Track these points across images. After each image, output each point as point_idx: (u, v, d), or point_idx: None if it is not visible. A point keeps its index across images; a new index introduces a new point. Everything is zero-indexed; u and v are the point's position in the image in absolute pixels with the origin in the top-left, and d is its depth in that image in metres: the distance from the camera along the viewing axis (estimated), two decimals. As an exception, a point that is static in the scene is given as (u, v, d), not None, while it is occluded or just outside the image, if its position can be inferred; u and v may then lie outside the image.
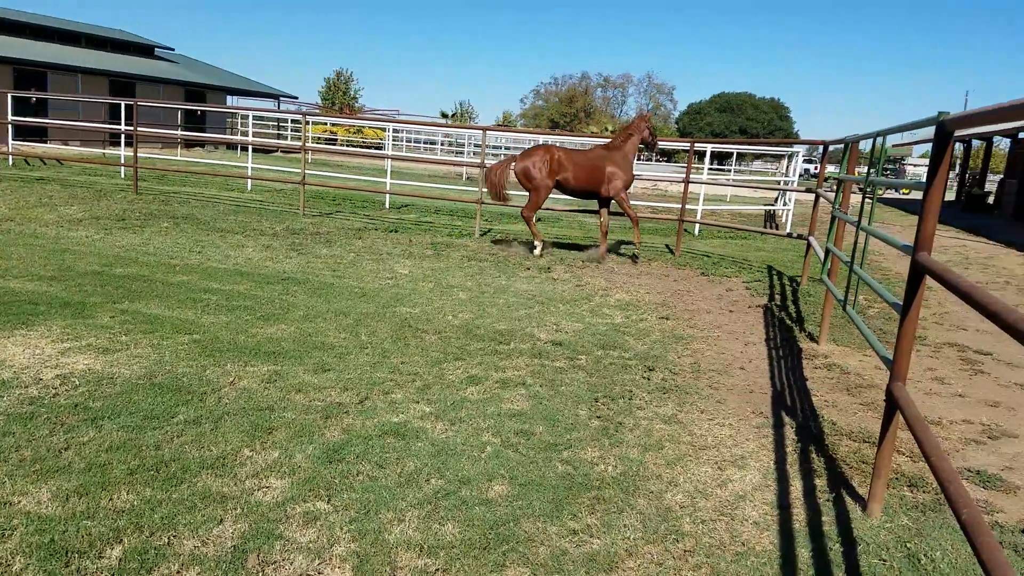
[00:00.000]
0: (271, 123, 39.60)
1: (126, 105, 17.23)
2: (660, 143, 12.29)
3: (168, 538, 2.88)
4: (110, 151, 22.38)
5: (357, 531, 3.02)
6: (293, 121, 36.05)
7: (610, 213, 10.88)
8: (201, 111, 34.35)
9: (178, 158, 20.00)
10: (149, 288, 6.81)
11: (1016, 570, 3.05)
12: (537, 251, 10.33)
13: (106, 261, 7.85)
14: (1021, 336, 1.62)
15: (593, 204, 11.22)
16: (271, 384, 4.60)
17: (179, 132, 28.82)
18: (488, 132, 15.10)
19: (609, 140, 11.03)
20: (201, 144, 31.77)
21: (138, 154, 14.86)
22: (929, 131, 3.36)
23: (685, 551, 3.05)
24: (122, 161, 17.84)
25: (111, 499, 3.12)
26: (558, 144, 11.10)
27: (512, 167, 10.44)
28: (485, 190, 10.81)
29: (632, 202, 11.20)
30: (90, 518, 2.97)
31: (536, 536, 3.07)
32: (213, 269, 7.88)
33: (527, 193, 10.44)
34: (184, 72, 37.79)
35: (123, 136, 18.82)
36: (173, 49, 41.25)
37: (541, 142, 23.19)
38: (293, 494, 3.27)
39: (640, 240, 10.96)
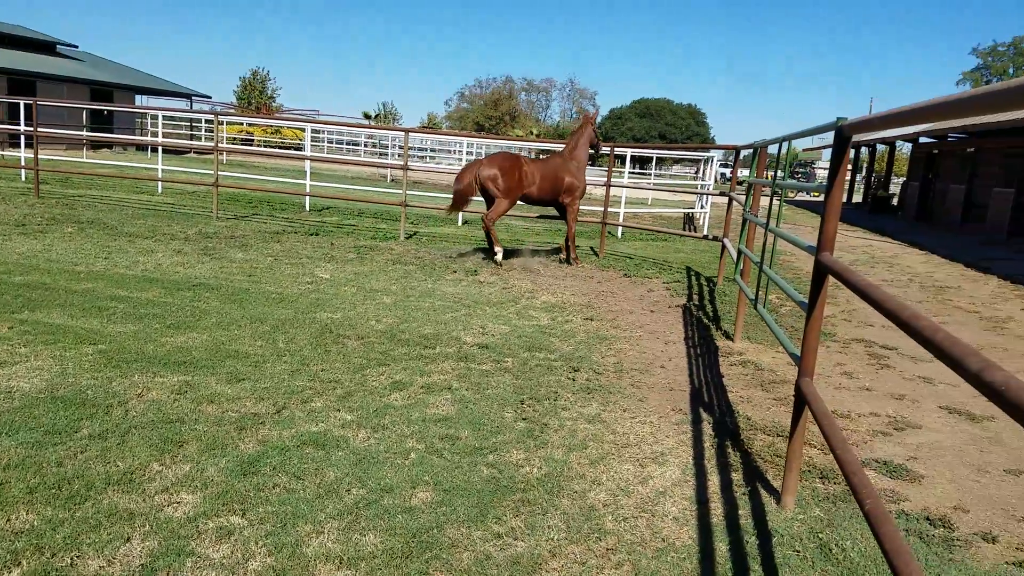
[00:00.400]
0: (183, 123, 38.26)
1: (25, 104, 16.33)
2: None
3: (71, 559, 2.74)
4: (9, 152, 21.17)
5: (273, 545, 2.93)
6: (207, 121, 34.93)
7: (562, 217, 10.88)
8: (108, 111, 32.90)
9: (84, 160, 19.06)
10: (51, 296, 6.47)
11: (920, 556, 3.20)
12: (499, 258, 10.00)
13: (4, 268, 7.42)
14: (911, 331, 1.70)
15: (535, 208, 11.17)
16: (181, 395, 4.43)
17: (84, 133, 27.51)
18: (411, 134, 14.97)
19: (563, 147, 10.89)
20: (109, 145, 30.42)
21: (40, 156, 14.12)
22: (831, 136, 3.51)
23: (608, 549, 3.08)
24: (22, 163, 16.91)
25: (9, 520, 2.95)
26: (519, 152, 10.80)
27: (479, 172, 9.97)
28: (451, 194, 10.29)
29: None
30: (-16, 541, 2.80)
31: (460, 542, 3.05)
32: (120, 275, 7.54)
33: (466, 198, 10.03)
34: (89, 70, 36.07)
35: (23, 137, 17.85)
36: (77, 47, 39.30)
37: (462, 142, 23.17)
38: (205, 509, 3.16)
39: (576, 256, 10.91)
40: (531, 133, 51.95)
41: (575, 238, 10.87)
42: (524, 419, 4.47)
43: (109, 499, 3.18)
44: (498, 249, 10.08)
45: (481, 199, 10.53)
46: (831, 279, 3.37)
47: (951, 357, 1.46)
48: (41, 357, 4.90)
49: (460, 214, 13.24)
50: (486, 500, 3.41)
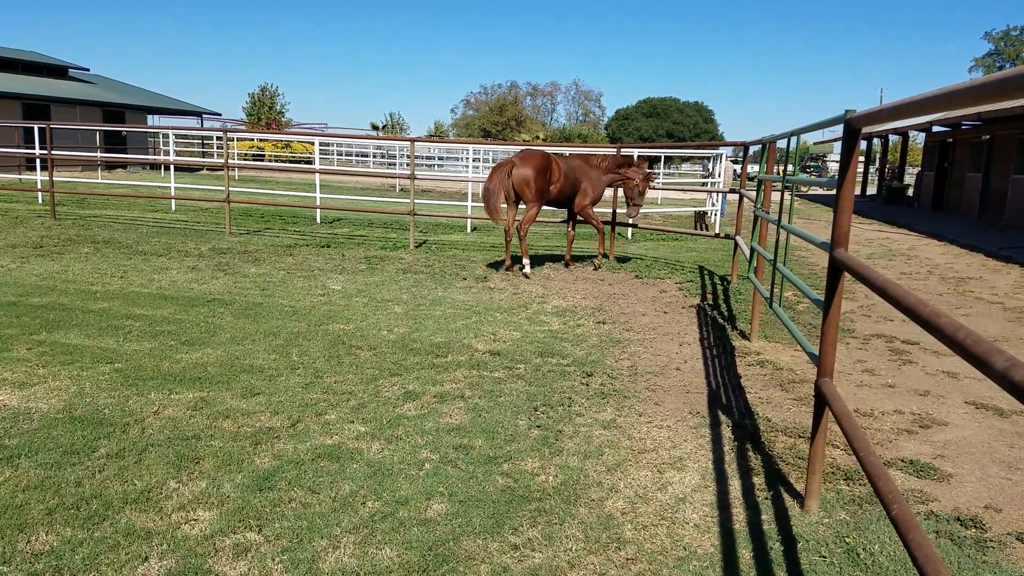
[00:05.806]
0: (195, 141, 38.62)
1: (40, 128, 16.52)
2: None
3: (88, 582, 2.73)
4: (26, 176, 21.43)
5: (290, 561, 2.91)
6: (218, 138, 35.22)
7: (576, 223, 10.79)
8: (121, 131, 33.23)
9: (99, 181, 19.28)
10: (68, 317, 6.51)
11: (952, 559, 3.12)
12: (527, 271, 9.65)
13: (22, 291, 7.48)
14: (931, 328, 1.65)
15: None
16: (197, 411, 4.42)
17: (98, 154, 27.78)
18: (418, 143, 15.00)
19: (590, 156, 10.71)
20: (123, 165, 30.73)
21: (55, 178, 14.26)
22: (839, 129, 3.45)
23: (627, 559, 3.03)
24: (39, 186, 17.09)
25: (28, 542, 2.96)
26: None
27: (512, 172, 9.41)
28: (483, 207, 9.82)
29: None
30: (6, 563, 2.80)
31: (477, 554, 3.01)
32: (136, 294, 7.58)
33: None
34: (101, 92, 36.49)
35: (38, 160, 18.05)
36: (88, 70, 39.74)
37: (468, 149, 23.17)
38: (222, 526, 3.14)
39: (602, 251, 10.94)
40: (537, 137, 51.91)
41: (603, 230, 10.87)
42: (538, 426, 4.42)
43: (127, 518, 3.18)
44: (527, 260, 9.71)
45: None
46: (847, 274, 3.30)
47: (974, 355, 1.41)
48: (59, 378, 4.93)
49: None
50: (502, 510, 3.37)
